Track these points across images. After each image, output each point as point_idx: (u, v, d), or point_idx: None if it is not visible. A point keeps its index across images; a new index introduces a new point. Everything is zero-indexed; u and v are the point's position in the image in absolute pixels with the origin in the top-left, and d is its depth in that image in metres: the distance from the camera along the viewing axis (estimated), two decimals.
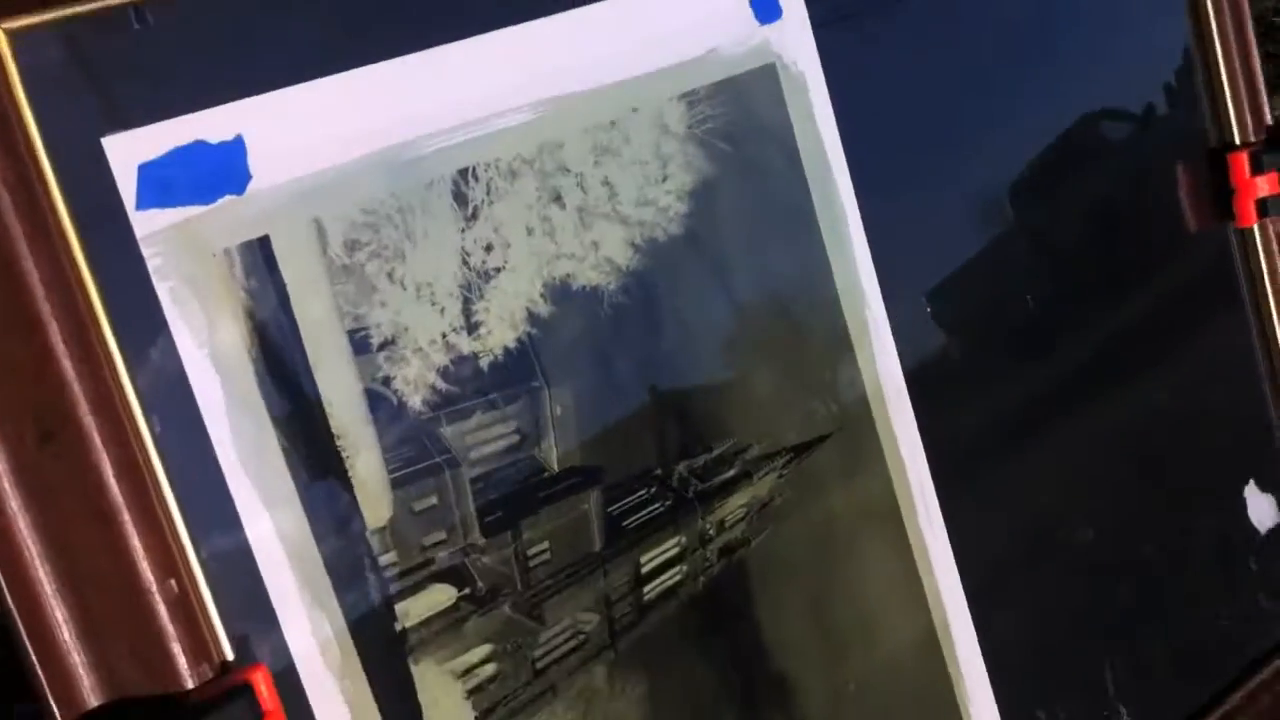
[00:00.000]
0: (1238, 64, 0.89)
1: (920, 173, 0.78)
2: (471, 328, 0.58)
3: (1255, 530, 0.93)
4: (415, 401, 0.57)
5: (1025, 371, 0.84)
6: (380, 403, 0.55)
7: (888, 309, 0.74)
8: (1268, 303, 0.93)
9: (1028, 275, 0.84)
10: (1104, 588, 0.86)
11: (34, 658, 0.45)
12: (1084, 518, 0.85)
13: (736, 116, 0.68)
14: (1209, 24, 0.89)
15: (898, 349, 0.75)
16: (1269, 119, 0.90)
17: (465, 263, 0.58)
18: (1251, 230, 0.92)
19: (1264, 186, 0.89)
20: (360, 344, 0.55)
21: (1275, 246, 0.92)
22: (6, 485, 0.45)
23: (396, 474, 0.56)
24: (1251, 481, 0.93)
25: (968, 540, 0.77)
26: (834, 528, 0.72)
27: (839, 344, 0.72)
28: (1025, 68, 0.85)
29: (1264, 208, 0.90)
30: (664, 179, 0.65)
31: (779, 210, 0.71)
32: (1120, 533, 0.86)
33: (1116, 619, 0.86)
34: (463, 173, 0.58)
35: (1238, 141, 0.91)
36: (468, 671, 0.57)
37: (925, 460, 0.77)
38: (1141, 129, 0.89)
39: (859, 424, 0.73)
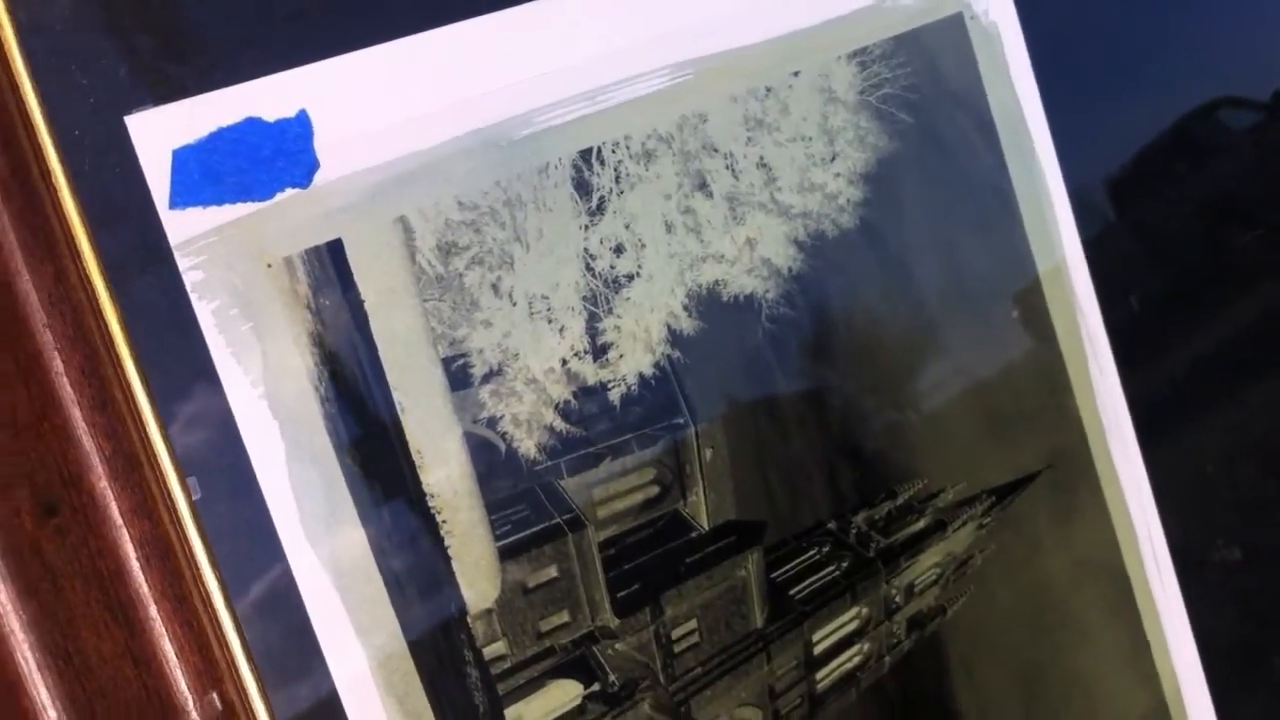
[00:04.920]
0: None
1: (1140, 146, 0.69)
2: (598, 351, 0.51)
3: None
4: (529, 447, 0.50)
5: (1274, 391, 0.74)
6: (484, 450, 0.48)
7: (1105, 317, 0.65)
8: None
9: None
10: None
11: None
12: None
13: (918, 80, 0.61)
14: None
15: (1117, 365, 0.65)
16: None
17: (589, 269, 0.51)
18: None
19: None
20: (458, 376, 0.48)
21: None
22: None
23: (506, 541, 0.49)
24: None
25: (1205, 601, 0.68)
26: (1047, 589, 0.64)
27: (1045, 360, 0.64)
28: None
29: None
30: (832, 159, 0.58)
31: (972, 195, 0.63)
32: None
33: None
34: (585, 155, 0.51)
35: None
36: None
37: (1153, 500, 0.67)
38: None
39: (1073, 457, 0.64)
